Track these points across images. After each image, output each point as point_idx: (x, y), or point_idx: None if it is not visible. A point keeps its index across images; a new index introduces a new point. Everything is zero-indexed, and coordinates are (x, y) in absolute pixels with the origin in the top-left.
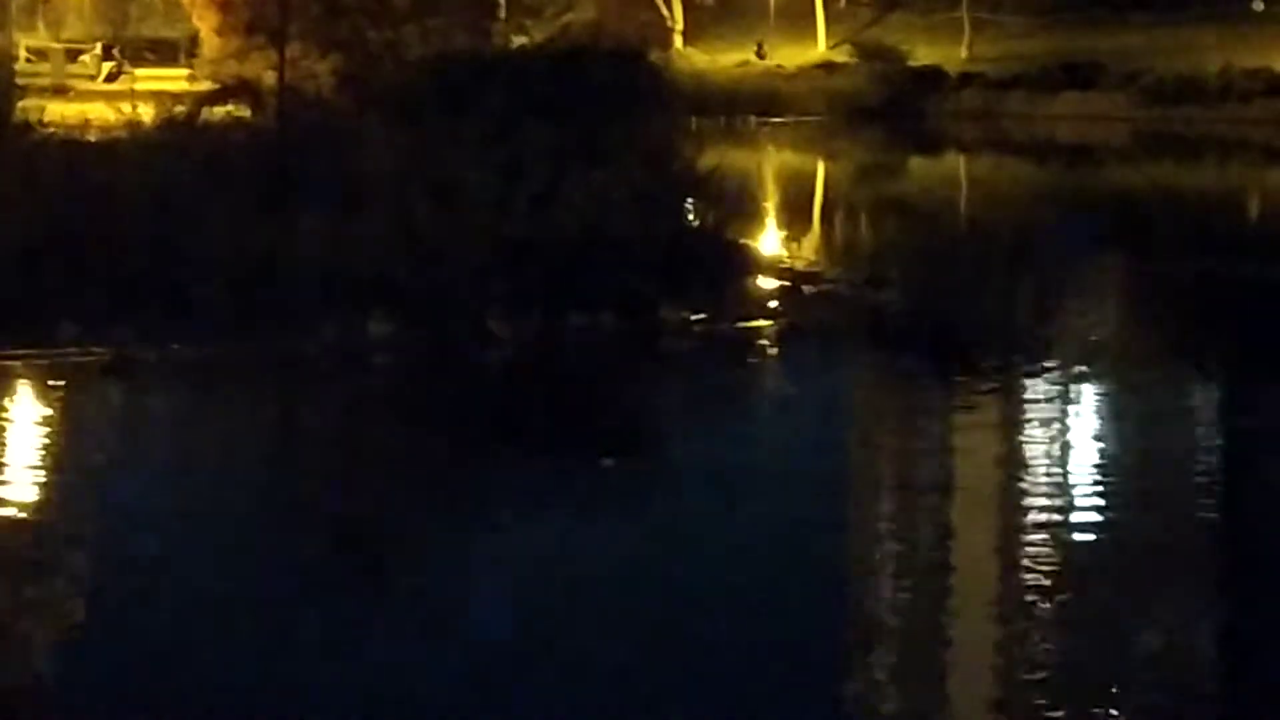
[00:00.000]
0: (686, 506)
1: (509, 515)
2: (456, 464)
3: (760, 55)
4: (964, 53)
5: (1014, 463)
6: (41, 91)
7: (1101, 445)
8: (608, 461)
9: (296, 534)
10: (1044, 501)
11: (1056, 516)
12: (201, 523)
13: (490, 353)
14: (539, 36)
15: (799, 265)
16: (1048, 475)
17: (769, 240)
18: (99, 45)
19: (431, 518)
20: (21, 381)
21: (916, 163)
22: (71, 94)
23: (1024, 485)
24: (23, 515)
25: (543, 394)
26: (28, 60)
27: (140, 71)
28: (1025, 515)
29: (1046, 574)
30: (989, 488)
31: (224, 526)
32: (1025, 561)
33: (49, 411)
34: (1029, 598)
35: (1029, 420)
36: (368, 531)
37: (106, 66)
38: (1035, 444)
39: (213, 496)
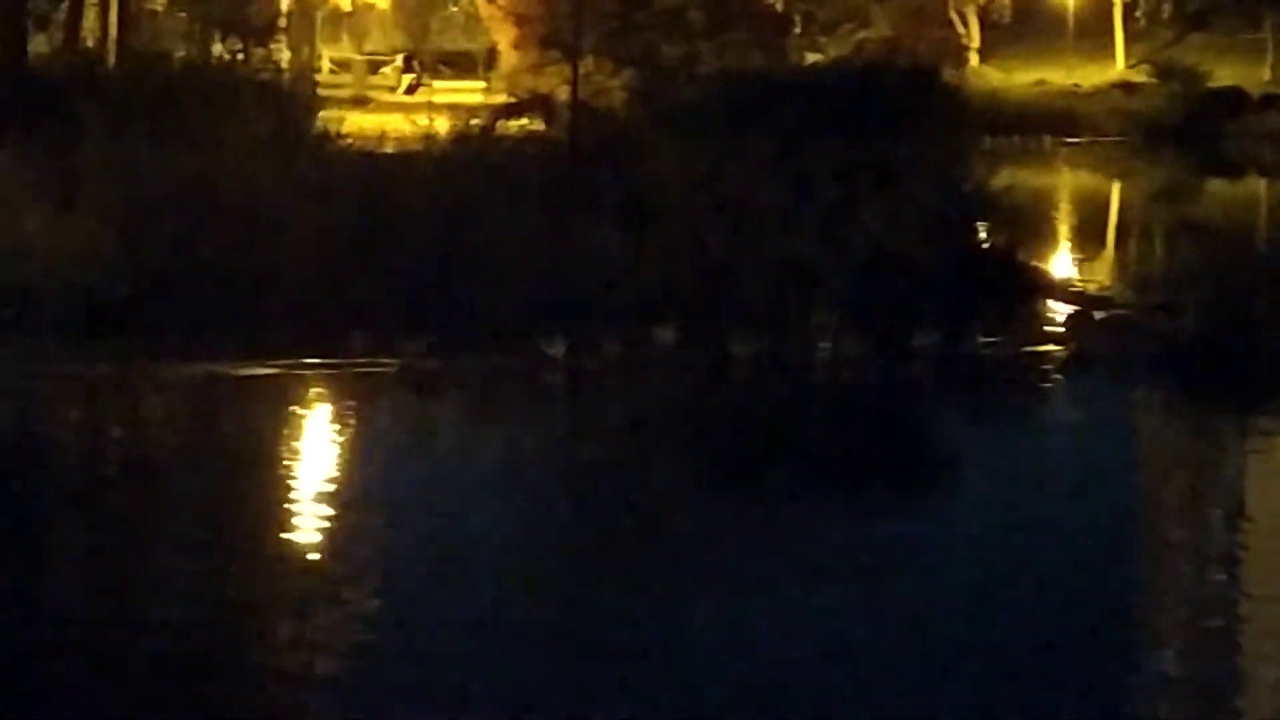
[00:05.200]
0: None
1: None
2: (729, 487)
3: None
4: (1266, 74)
5: None
6: (342, 102)
7: None
8: None
9: (589, 554)
10: None
11: None
12: (494, 540)
13: (777, 371)
14: (833, 53)
15: (1090, 289)
16: None
17: (1060, 263)
18: (400, 57)
19: (712, 550)
20: (314, 391)
21: (1214, 185)
22: (371, 105)
23: None
24: (324, 524)
25: (821, 417)
26: (331, 71)
27: (438, 84)
28: None
29: None
30: None
31: (512, 544)
32: None
33: (339, 421)
34: None
35: None
36: (649, 564)
37: (406, 79)
38: None
39: (505, 509)
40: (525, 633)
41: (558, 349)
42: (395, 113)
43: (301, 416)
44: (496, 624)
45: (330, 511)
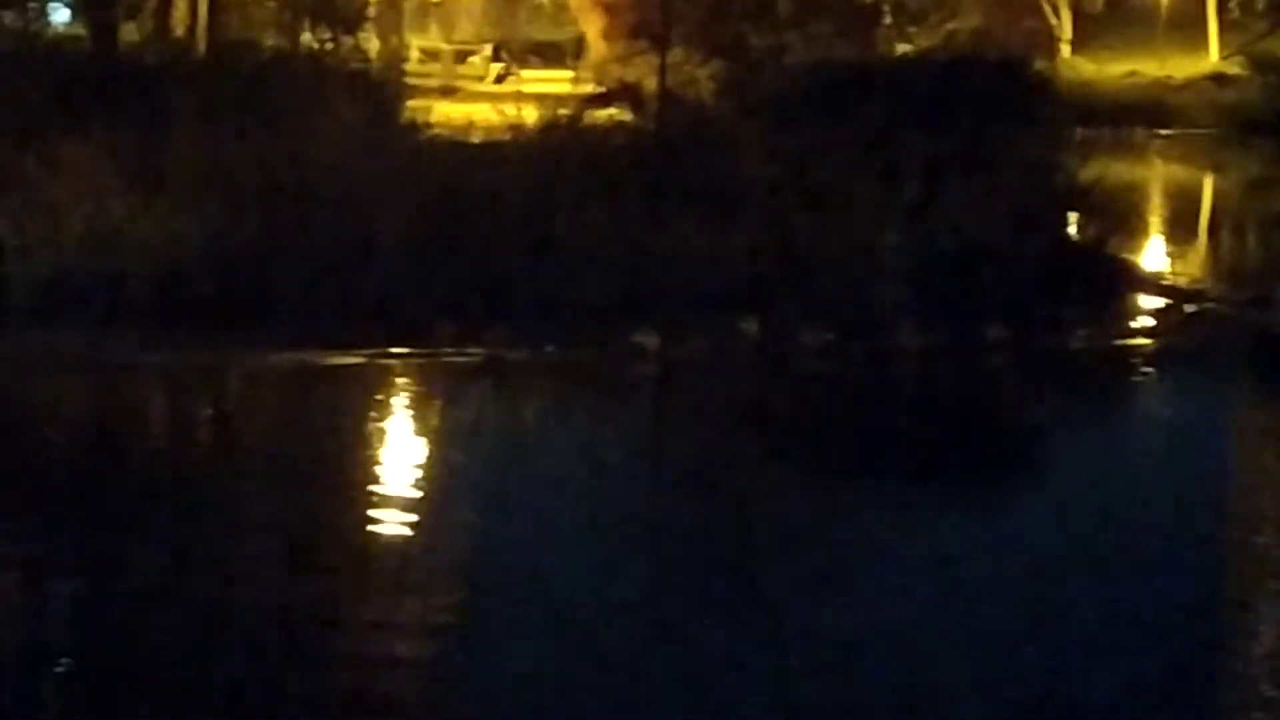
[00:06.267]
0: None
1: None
2: (818, 481)
3: None
4: None
5: None
6: (430, 92)
7: None
8: None
9: (662, 547)
10: None
11: None
12: (569, 535)
13: (867, 363)
14: (923, 43)
15: (1181, 282)
16: None
17: (1151, 256)
18: (488, 47)
19: (789, 538)
20: (399, 380)
21: None
22: (459, 94)
23: None
24: (404, 514)
25: (917, 411)
26: (419, 61)
27: (526, 73)
28: None
29: None
30: None
31: (590, 537)
32: None
33: (427, 412)
34: None
35: None
36: (728, 560)
37: (495, 68)
38: None
39: (582, 505)
40: (629, 623)
41: (650, 340)
42: (483, 102)
43: (388, 406)
44: (594, 615)
45: (422, 505)
